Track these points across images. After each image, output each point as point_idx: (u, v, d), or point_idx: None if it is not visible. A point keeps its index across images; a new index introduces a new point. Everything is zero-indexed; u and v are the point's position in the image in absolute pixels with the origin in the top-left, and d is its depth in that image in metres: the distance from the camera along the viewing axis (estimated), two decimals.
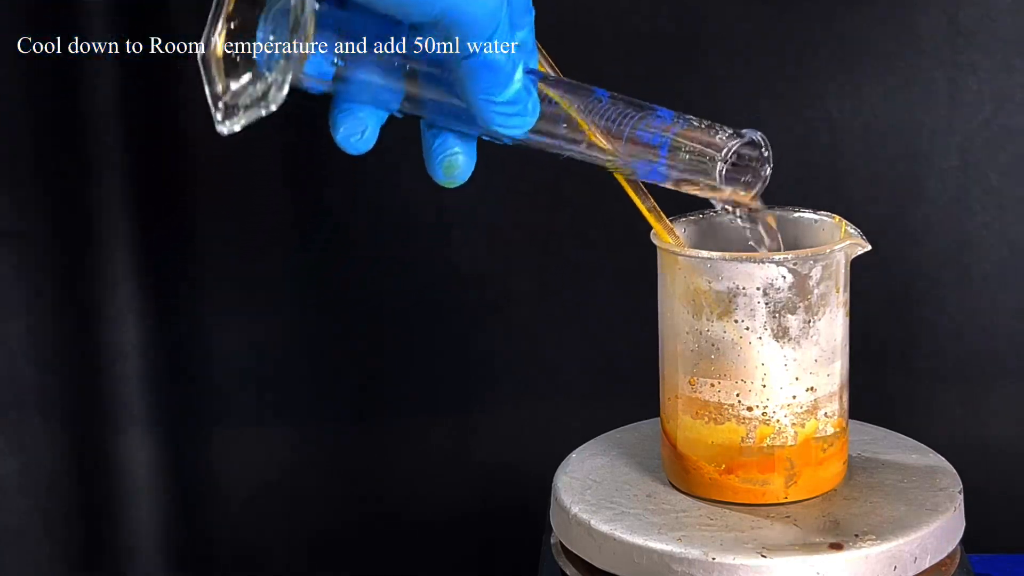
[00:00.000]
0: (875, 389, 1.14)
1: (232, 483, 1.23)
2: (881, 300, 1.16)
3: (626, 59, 1.12)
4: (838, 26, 1.11)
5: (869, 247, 0.83)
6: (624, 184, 0.83)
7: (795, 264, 0.81)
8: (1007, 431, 1.17)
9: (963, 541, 0.85)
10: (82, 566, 1.25)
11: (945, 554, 0.83)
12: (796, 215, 0.88)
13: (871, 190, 1.14)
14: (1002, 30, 1.11)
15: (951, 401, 1.17)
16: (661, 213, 0.83)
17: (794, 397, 0.82)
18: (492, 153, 1.15)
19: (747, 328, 0.81)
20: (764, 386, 0.82)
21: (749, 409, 0.82)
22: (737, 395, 0.82)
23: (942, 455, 0.90)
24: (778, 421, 0.82)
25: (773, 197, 0.87)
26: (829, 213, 0.87)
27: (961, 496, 0.85)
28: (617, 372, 1.18)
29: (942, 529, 0.82)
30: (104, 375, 1.19)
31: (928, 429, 0.92)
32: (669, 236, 0.84)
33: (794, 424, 0.83)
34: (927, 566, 0.81)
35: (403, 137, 1.14)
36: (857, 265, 1.09)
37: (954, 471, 0.87)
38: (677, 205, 0.89)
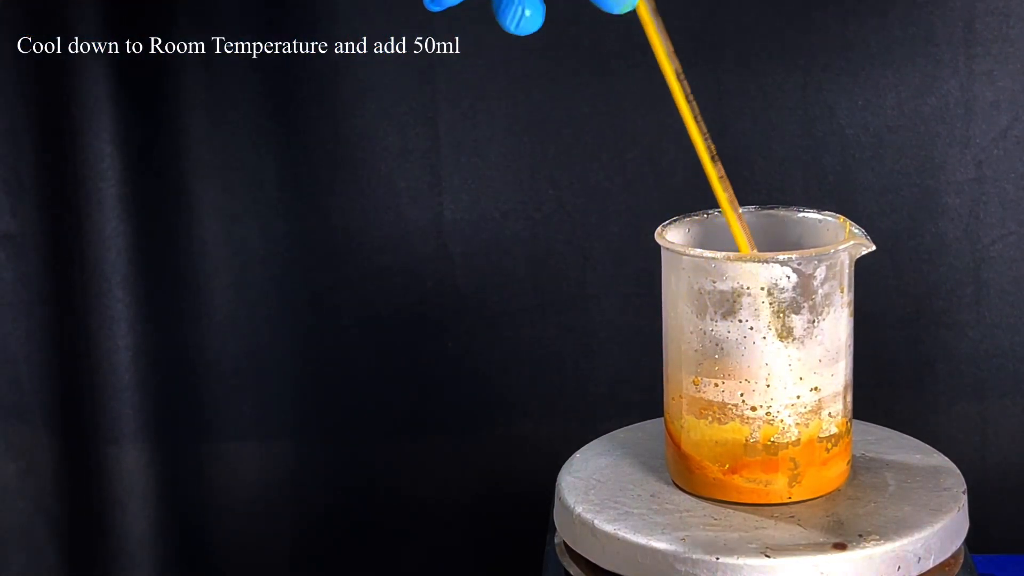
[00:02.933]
0: (888, 413, 1.13)
1: (228, 494, 1.23)
2: (894, 319, 1.15)
3: (634, 68, 1.12)
4: (849, 34, 1.11)
5: (873, 247, 0.83)
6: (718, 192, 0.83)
7: (799, 264, 0.81)
8: (1013, 436, 1.17)
9: (967, 541, 0.85)
10: (80, 570, 1.25)
11: (949, 554, 0.82)
12: (800, 215, 0.88)
13: (884, 204, 1.14)
14: (1020, 38, 1.10)
15: (969, 425, 1.16)
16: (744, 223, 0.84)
17: (798, 397, 0.82)
18: (489, 164, 1.16)
19: (751, 328, 0.81)
20: (768, 386, 0.82)
21: (753, 409, 0.82)
22: (741, 395, 0.82)
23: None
24: (782, 421, 0.82)
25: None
26: (834, 213, 0.87)
27: (965, 496, 0.85)
28: (620, 374, 1.18)
29: (946, 529, 0.82)
30: (100, 382, 1.19)
31: (944, 452, 0.92)
32: (747, 243, 0.84)
33: (798, 424, 0.83)
34: (931, 566, 0.81)
35: (401, 151, 1.16)
36: (869, 283, 1.10)
37: (958, 471, 0.87)
38: (678, 207, 0.89)
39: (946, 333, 1.15)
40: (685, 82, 0.84)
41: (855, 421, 0.88)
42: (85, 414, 1.20)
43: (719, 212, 0.87)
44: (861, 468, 0.87)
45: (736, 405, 0.83)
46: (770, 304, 0.81)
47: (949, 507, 0.83)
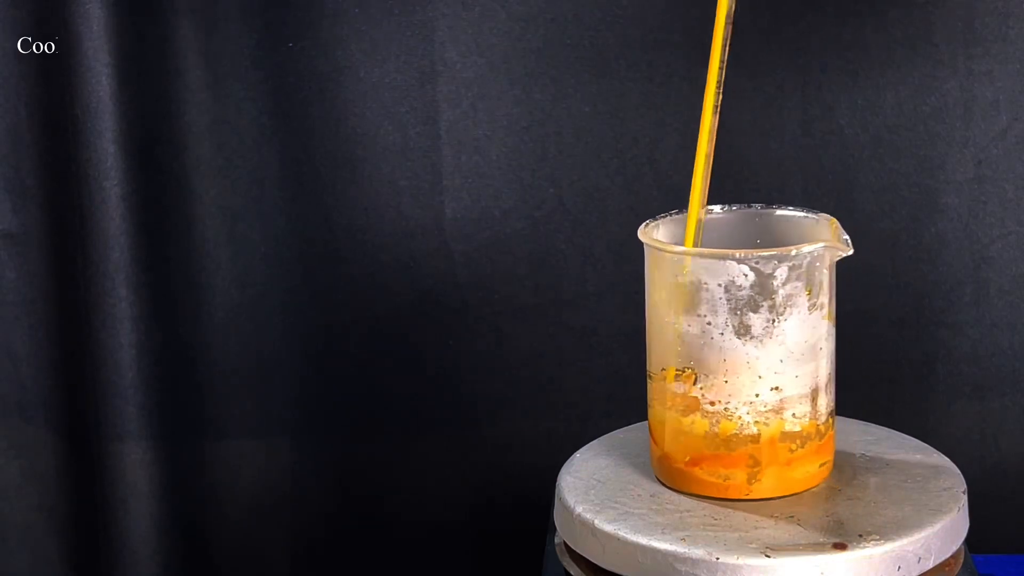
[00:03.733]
0: (887, 412, 1.14)
1: (228, 492, 1.23)
2: (894, 318, 1.15)
3: (635, 67, 1.13)
4: (849, 34, 1.11)
5: (850, 251, 0.83)
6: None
7: (757, 263, 0.81)
8: (1012, 434, 1.17)
9: (967, 541, 0.85)
10: (83, 567, 1.25)
11: (949, 554, 0.83)
12: (798, 214, 0.89)
13: (883, 203, 1.14)
14: (1019, 38, 1.10)
15: (968, 425, 1.17)
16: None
17: (757, 395, 0.83)
18: (490, 163, 1.16)
19: (709, 323, 0.82)
20: (726, 382, 0.83)
21: (712, 404, 0.83)
22: (701, 388, 0.83)
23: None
24: (740, 417, 0.83)
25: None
26: (824, 215, 0.87)
27: (965, 496, 0.85)
28: (620, 373, 1.18)
29: (946, 529, 0.82)
30: (103, 380, 1.19)
31: (943, 451, 0.92)
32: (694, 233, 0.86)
33: (757, 422, 0.83)
34: (931, 566, 0.81)
35: (402, 150, 1.16)
36: (869, 282, 1.10)
37: (958, 471, 0.87)
38: (678, 206, 0.89)
39: (945, 332, 1.16)
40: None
41: (854, 421, 0.88)
42: (88, 412, 1.20)
43: (711, 210, 0.89)
44: (861, 468, 0.88)
45: (697, 399, 0.83)
46: (727, 301, 0.82)
47: (949, 507, 0.83)
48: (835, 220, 0.86)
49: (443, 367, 1.19)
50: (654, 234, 0.86)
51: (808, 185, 1.14)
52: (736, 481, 0.84)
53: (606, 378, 1.18)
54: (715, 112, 0.86)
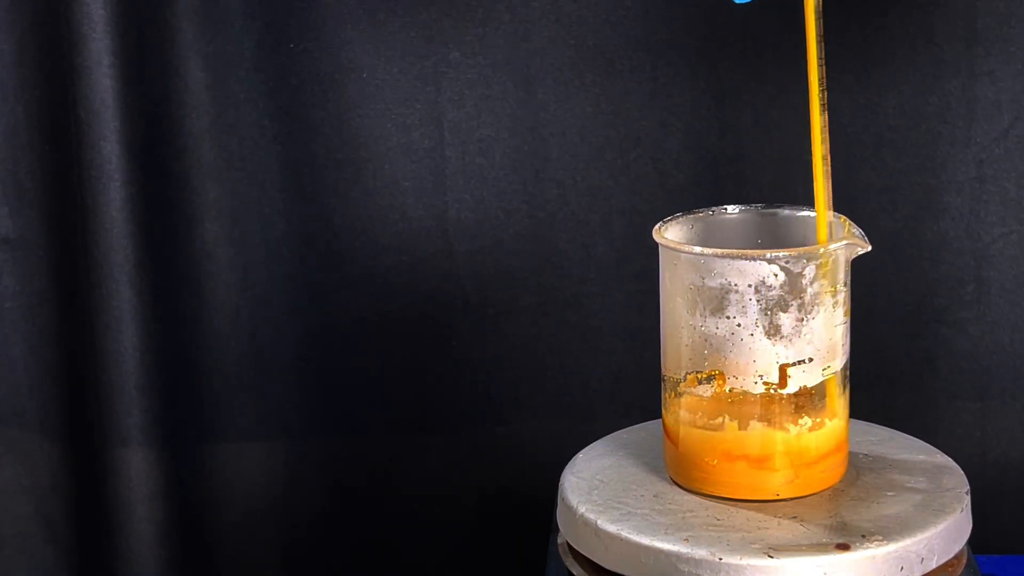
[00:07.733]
0: (888, 410, 1.14)
1: (230, 495, 1.23)
2: (895, 316, 1.16)
3: (639, 69, 1.13)
4: (851, 34, 1.11)
5: (869, 248, 0.84)
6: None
7: (787, 263, 0.81)
8: (1012, 432, 1.17)
9: (970, 542, 0.85)
10: (82, 573, 1.25)
11: (952, 555, 0.83)
12: (803, 215, 0.89)
13: (885, 202, 1.14)
14: (1020, 39, 1.10)
15: (969, 422, 1.17)
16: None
17: (787, 394, 0.83)
18: (493, 163, 1.16)
19: (739, 325, 0.82)
20: (756, 382, 0.83)
21: (743, 405, 0.83)
22: (730, 390, 0.83)
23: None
24: (772, 417, 0.83)
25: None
26: (836, 214, 0.87)
27: (968, 497, 0.85)
28: (623, 372, 1.18)
29: (949, 530, 0.82)
30: (106, 385, 1.19)
31: (944, 449, 0.92)
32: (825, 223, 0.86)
33: (788, 421, 0.83)
34: (934, 566, 0.81)
35: (406, 151, 1.16)
36: (871, 280, 1.10)
37: (961, 472, 0.88)
38: (681, 206, 0.90)
39: (947, 330, 1.16)
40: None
41: (857, 422, 0.88)
42: (91, 417, 1.20)
43: (714, 210, 0.89)
44: (864, 469, 0.88)
45: (725, 400, 0.83)
46: (758, 301, 0.82)
47: (952, 508, 0.83)
48: (846, 218, 0.86)
49: (445, 368, 1.19)
50: (666, 235, 0.85)
51: (809, 184, 1.14)
52: (769, 482, 0.84)
53: (609, 378, 1.18)
54: (823, 110, 0.86)
